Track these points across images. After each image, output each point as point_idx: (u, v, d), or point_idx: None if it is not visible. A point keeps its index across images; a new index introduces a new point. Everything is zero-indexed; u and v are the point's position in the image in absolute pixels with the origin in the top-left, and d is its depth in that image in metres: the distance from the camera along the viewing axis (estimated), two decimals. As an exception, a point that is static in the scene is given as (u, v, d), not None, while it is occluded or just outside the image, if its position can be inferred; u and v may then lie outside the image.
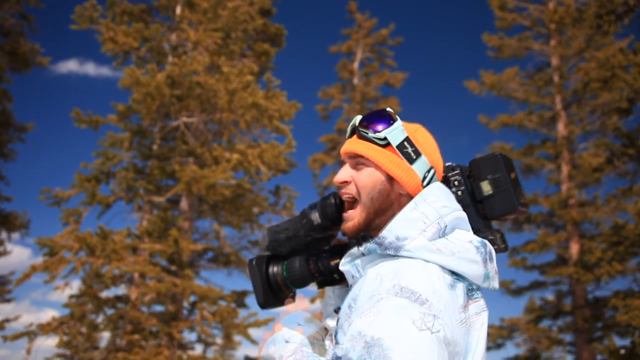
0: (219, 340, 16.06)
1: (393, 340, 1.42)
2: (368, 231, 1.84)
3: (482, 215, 1.85)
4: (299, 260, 2.04)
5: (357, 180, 1.79)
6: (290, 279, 2.05)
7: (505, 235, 1.86)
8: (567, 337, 20.07)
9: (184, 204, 16.53)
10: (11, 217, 18.88)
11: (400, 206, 1.76)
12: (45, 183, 28.10)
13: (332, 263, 2.00)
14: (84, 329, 14.46)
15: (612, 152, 16.44)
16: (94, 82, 35.10)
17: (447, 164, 1.89)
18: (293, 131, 16.54)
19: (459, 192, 1.84)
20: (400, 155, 1.75)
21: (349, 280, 1.80)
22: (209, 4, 16.22)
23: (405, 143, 1.75)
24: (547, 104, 21.14)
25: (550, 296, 20.69)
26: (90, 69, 37.19)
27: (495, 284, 1.74)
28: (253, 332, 14.93)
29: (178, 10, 17.14)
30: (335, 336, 1.78)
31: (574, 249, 19.21)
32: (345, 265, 1.78)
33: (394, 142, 1.75)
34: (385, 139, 1.75)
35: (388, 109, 1.81)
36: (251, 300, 16.40)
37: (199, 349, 15.97)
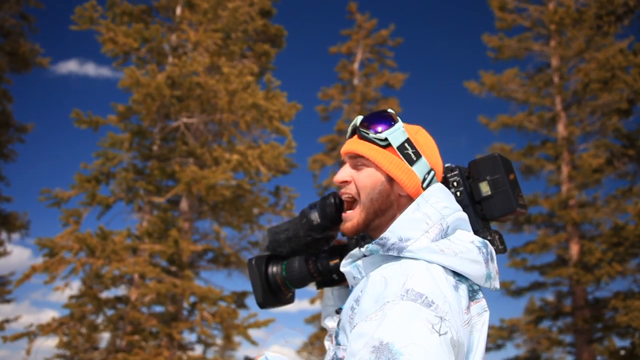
0: (219, 341, 16.06)
1: (402, 344, 1.41)
2: (367, 231, 1.84)
3: (480, 216, 1.85)
4: (298, 261, 2.05)
5: (357, 181, 1.79)
6: (289, 279, 2.06)
7: (504, 236, 1.87)
8: (567, 338, 20.09)
9: (184, 204, 16.53)
10: (11, 217, 18.87)
11: (400, 207, 1.77)
12: (45, 184, 28.06)
13: (332, 263, 2.00)
14: (84, 330, 14.46)
15: (612, 153, 16.45)
16: (94, 83, 35.08)
17: (446, 165, 1.89)
18: (293, 132, 16.57)
19: (458, 193, 1.85)
20: (401, 156, 1.75)
21: (350, 281, 1.80)
22: (209, 5, 16.23)
23: (406, 144, 1.75)
24: (547, 104, 21.14)
25: (550, 297, 20.72)
26: (90, 69, 37.16)
27: (497, 283, 1.75)
28: (253, 332, 14.97)
29: (178, 10, 17.15)
30: (336, 337, 1.78)
31: (574, 249, 19.22)
32: (346, 266, 1.78)
33: (395, 143, 1.75)
34: (386, 139, 1.75)
35: (389, 110, 1.82)
36: (251, 301, 16.40)
37: (199, 350, 15.98)
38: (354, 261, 1.76)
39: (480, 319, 1.68)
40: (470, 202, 1.85)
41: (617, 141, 16.94)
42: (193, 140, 16.07)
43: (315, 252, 2.06)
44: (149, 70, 15.26)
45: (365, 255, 1.73)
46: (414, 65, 39.45)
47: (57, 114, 33.30)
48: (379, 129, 1.76)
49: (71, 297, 14.62)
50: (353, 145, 1.81)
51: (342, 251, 2.02)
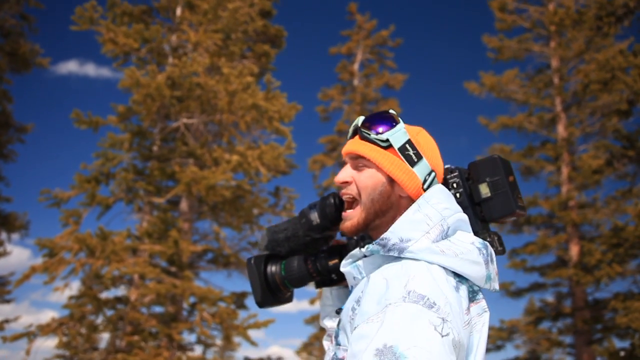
0: (218, 342, 16.04)
1: (405, 347, 1.41)
2: (366, 232, 1.85)
3: (480, 218, 1.85)
4: (297, 260, 2.05)
5: (358, 181, 1.79)
6: (288, 279, 2.06)
7: (504, 236, 1.87)
8: (567, 339, 20.08)
9: (183, 205, 16.53)
10: (11, 217, 18.88)
11: (400, 208, 1.77)
12: (45, 184, 28.06)
13: (331, 263, 2.01)
14: (83, 330, 14.46)
15: (612, 154, 16.45)
16: (94, 83, 35.10)
17: (446, 166, 1.90)
18: (293, 132, 16.57)
19: (458, 195, 1.85)
20: (402, 157, 1.75)
21: (350, 281, 1.80)
22: (209, 5, 16.23)
23: (407, 145, 1.76)
24: (547, 105, 21.15)
25: (550, 298, 20.72)
26: (91, 69, 37.18)
27: (496, 285, 1.75)
28: (253, 333, 14.97)
29: (178, 11, 17.15)
30: (336, 337, 1.78)
31: (574, 250, 19.21)
32: (346, 266, 1.78)
33: (396, 144, 1.75)
34: (387, 140, 1.75)
35: (391, 110, 1.82)
36: (251, 302, 16.40)
37: (198, 350, 15.97)
38: (354, 261, 1.76)
39: (480, 320, 1.68)
40: (469, 203, 1.85)
41: (617, 142, 16.96)
42: (193, 141, 16.07)
43: (314, 252, 2.06)
44: (149, 70, 15.26)
45: (365, 256, 1.73)
46: (414, 66, 39.45)
47: (57, 114, 33.31)
48: (381, 129, 1.76)
49: (71, 297, 14.63)
50: (354, 145, 1.81)
51: (341, 251, 2.03)
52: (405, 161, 1.75)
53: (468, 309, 1.64)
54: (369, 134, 1.78)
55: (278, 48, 19.19)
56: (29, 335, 14.13)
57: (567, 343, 19.99)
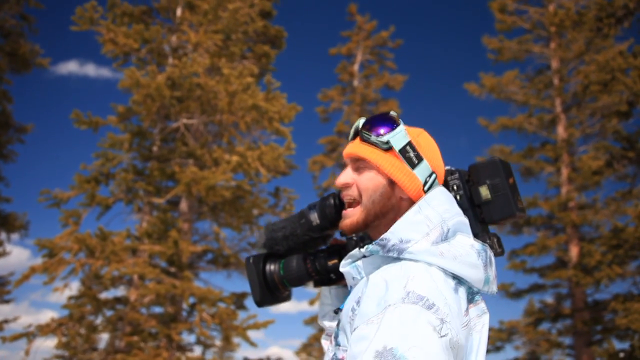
0: (218, 342, 16.04)
1: (405, 348, 1.42)
2: (366, 232, 1.86)
3: (479, 220, 1.85)
4: (296, 259, 2.06)
5: (358, 183, 1.80)
6: (287, 278, 2.07)
7: (504, 237, 1.88)
8: (567, 340, 20.08)
9: (183, 205, 16.53)
10: (11, 218, 18.87)
11: (400, 210, 1.77)
12: (44, 184, 28.07)
13: (330, 263, 2.01)
14: (83, 330, 14.46)
15: (612, 155, 16.45)
16: (94, 84, 35.08)
17: (446, 168, 1.90)
18: (293, 133, 16.57)
19: (458, 196, 1.85)
20: (402, 159, 1.75)
21: (349, 281, 1.80)
22: (210, 6, 16.23)
23: (408, 147, 1.76)
24: (547, 106, 21.15)
25: (549, 299, 20.71)
26: (91, 70, 37.16)
27: (494, 288, 1.75)
28: (252, 334, 14.96)
29: (178, 12, 17.16)
30: (336, 338, 1.79)
31: (574, 251, 19.21)
32: (345, 266, 1.78)
33: (397, 146, 1.75)
34: (387, 142, 1.75)
35: (392, 112, 1.82)
36: (250, 302, 16.39)
37: (198, 351, 15.98)
38: (354, 261, 1.76)
39: (480, 321, 1.69)
40: (469, 205, 1.85)
41: (616, 143, 16.95)
42: (193, 141, 16.07)
43: (313, 251, 2.06)
44: (149, 71, 15.26)
45: (365, 256, 1.74)
46: (414, 66, 39.49)
47: (57, 114, 33.27)
48: (381, 131, 1.77)
49: (70, 297, 14.63)
50: (355, 148, 1.81)
51: (340, 251, 2.03)
52: (406, 163, 1.75)
53: (467, 310, 1.64)
54: (370, 136, 1.77)
55: (278, 49, 19.20)
56: (29, 335, 14.13)
57: (567, 344, 19.99)
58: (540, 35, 21.68)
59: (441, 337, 1.46)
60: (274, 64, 18.90)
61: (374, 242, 1.68)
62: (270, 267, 2.09)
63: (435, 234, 1.65)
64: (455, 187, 1.87)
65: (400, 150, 1.75)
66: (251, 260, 2.09)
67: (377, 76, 26.56)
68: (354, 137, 1.85)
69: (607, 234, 17.45)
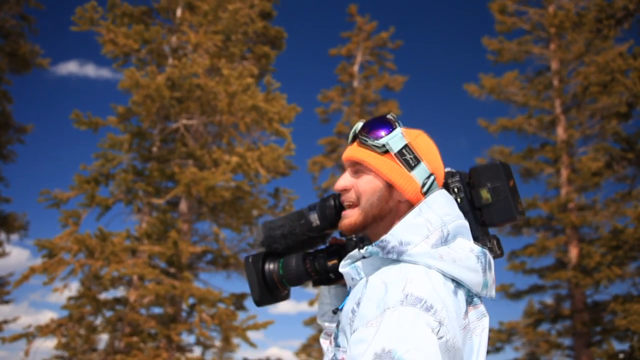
0: (217, 343, 16.04)
1: (404, 350, 1.43)
2: (364, 233, 1.87)
3: (480, 222, 1.86)
4: (295, 259, 2.07)
5: (357, 187, 1.81)
6: (286, 277, 2.07)
7: (503, 238, 1.88)
8: (566, 341, 20.07)
9: (183, 206, 16.53)
10: (10, 218, 18.87)
11: (399, 212, 1.78)
12: (44, 184, 28.11)
13: (329, 264, 2.02)
14: (82, 331, 14.45)
15: (612, 157, 16.46)
16: (94, 84, 35.08)
17: (447, 170, 1.90)
18: (293, 134, 16.56)
19: (459, 199, 1.86)
20: (400, 162, 1.76)
21: (348, 282, 1.81)
22: (210, 7, 16.23)
23: (405, 150, 1.76)
24: (546, 107, 21.14)
25: (549, 300, 20.70)
26: (90, 70, 37.18)
27: (492, 292, 1.76)
28: (252, 334, 14.95)
29: (178, 12, 17.15)
30: (335, 339, 1.80)
31: (573, 253, 19.21)
32: (345, 267, 1.79)
33: (394, 149, 1.76)
34: (384, 146, 1.76)
35: (389, 115, 1.83)
36: (250, 303, 16.40)
37: (197, 352, 15.97)
38: (353, 262, 1.77)
39: (479, 324, 1.70)
40: (470, 208, 1.86)
41: (616, 144, 16.95)
42: (193, 142, 16.07)
43: (312, 250, 2.07)
44: (149, 71, 15.25)
45: (364, 257, 1.74)
46: (414, 67, 39.48)
47: (57, 115, 33.25)
48: (378, 135, 1.78)
49: (70, 298, 14.61)
50: (352, 152, 1.82)
51: (339, 251, 2.04)
52: (403, 166, 1.76)
53: (466, 313, 1.66)
54: (367, 140, 1.79)
55: (278, 49, 19.20)
56: (28, 336, 14.12)
57: (566, 345, 19.99)
58: (540, 36, 21.68)
59: (438, 339, 1.48)
60: (274, 65, 18.93)
61: (373, 244, 1.69)
62: (270, 266, 2.10)
63: (435, 237, 1.66)
64: (456, 190, 1.87)
65: (397, 153, 1.76)
66: (250, 260, 2.10)
67: (377, 77, 26.55)
68: (352, 141, 1.86)
69: (607, 235, 17.44)
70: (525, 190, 21.59)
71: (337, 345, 1.78)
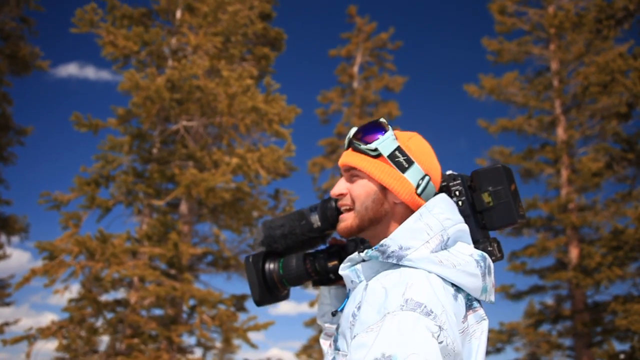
0: (218, 344, 16.06)
1: (404, 355, 1.43)
2: (362, 236, 1.89)
3: (481, 226, 1.87)
4: (295, 259, 2.08)
5: (351, 192, 1.84)
6: (286, 277, 2.08)
7: (503, 239, 1.89)
8: (567, 342, 20.07)
9: (183, 207, 16.53)
10: (11, 220, 18.86)
11: (395, 215, 1.80)
12: (44, 186, 28.14)
13: (330, 264, 2.03)
14: (83, 333, 14.44)
15: (612, 157, 16.45)
16: (94, 86, 35.05)
17: (448, 173, 1.91)
18: (293, 135, 16.55)
19: (460, 202, 1.86)
20: (392, 164, 1.78)
21: (348, 284, 1.82)
22: (209, 8, 16.23)
23: (397, 152, 1.78)
24: (546, 108, 21.14)
25: (549, 300, 20.69)
26: (90, 72, 37.13)
27: (492, 297, 1.77)
28: (252, 335, 14.92)
29: (178, 14, 17.16)
30: (335, 342, 1.80)
31: (574, 253, 19.21)
32: (345, 269, 1.80)
33: (385, 152, 1.78)
34: (376, 149, 1.79)
35: (381, 119, 1.85)
36: (250, 304, 16.40)
37: (198, 353, 15.98)
38: (353, 265, 1.78)
39: (479, 327, 1.71)
40: (471, 211, 1.86)
41: (616, 145, 16.94)
42: (193, 144, 16.07)
43: (312, 251, 2.08)
44: (149, 73, 15.25)
45: (364, 260, 1.75)
46: (414, 68, 39.44)
47: (57, 117, 33.27)
48: (369, 139, 1.80)
49: (71, 300, 14.60)
50: (346, 157, 1.85)
51: (340, 252, 2.05)
52: (396, 168, 1.78)
53: (465, 316, 1.67)
54: (360, 145, 1.81)
55: (278, 51, 19.20)
56: (29, 338, 14.12)
57: (567, 346, 19.99)
58: (540, 36, 21.68)
59: (439, 343, 1.48)
60: (274, 66, 18.93)
61: (373, 248, 1.70)
62: (270, 266, 2.11)
63: (435, 242, 1.67)
64: (457, 193, 1.88)
65: (389, 156, 1.78)
66: (250, 260, 2.11)
67: (377, 78, 26.56)
68: (347, 147, 1.89)
69: (607, 235, 17.44)
70: (525, 190, 21.60)
71: (337, 349, 1.79)
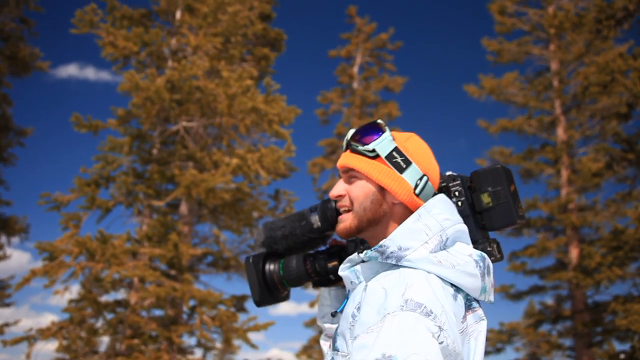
0: (218, 345, 16.05)
1: (405, 356, 1.43)
2: (361, 237, 1.91)
3: (480, 226, 1.87)
4: (296, 260, 2.08)
5: (350, 193, 1.85)
6: (286, 278, 2.08)
7: (503, 239, 1.90)
8: (567, 342, 20.08)
9: (183, 208, 16.53)
10: (11, 221, 18.87)
11: (394, 215, 1.81)
12: (44, 187, 28.11)
13: (330, 265, 2.03)
14: (83, 334, 14.44)
15: (612, 157, 16.45)
16: (94, 87, 35.09)
17: (448, 174, 1.91)
18: (292, 135, 16.55)
19: (459, 203, 1.87)
20: (390, 165, 1.79)
21: (348, 285, 1.82)
22: (209, 9, 16.23)
23: (394, 153, 1.79)
24: (546, 108, 21.15)
25: (549, 301, 20.70)
26: (90, 73, 37.18)
27: (491, 297, 1.78)
28: (253, 336, 14.91)
29: (178, 14, 17.16)
30: (334, 342, 1.80)
31: (574, 253, 19.21)
32: (344, 270, 1.80)
33: (383, 153, 1.79)
34: (373, 150, 1.80)
35: (379, 120, 1.86)
36: (250, 305, 16.40)
37: (198, 354, 15.97)
38: (352, 266, 1.78)
39: (477, 327, 1.71)
40: (471, 212, 1.86)
41: (616, 145, 16.94)
42: (193, 144, 16.07)
43: (312, 252, 2.08)
44: (149, 74, 15.25)
45: (363, 261, 1.75)
46: (414, 68, 39.49)
47: (57, 117, 33.30)
48: (367, 140, 1.81)
49: (71, 300, 14.60)
50: (345, 159, 1.86)
51: (340, 253, 2.05)
52: (394, 168, 1.79)
53: (464, 317, 1.67)
54: (357, 146, 1.83)
55: (277, 51, 19.21)
56: (29, 339, 14.12)
57: (567, 346, 20.00)
58: (540, 37, 21.69)
59: (439, 344, 1.49)
60: (274, 67, 18.94)
61: (372, 249, 1.70)
62: (270, 267, 2.11)
63: (434, 243, 1.68)
64: (457, 194, 1.88)
65: (386, 157, 1.79)
66: (251, 260, 2.12)
67: (377, 78, 26.55)
68: (346, 149, 1.90)
69: (607, 235, 17.44)
70: (525, 191, 21.62)
71: (336, 349, 1.79)
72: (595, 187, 19.36)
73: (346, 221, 1.84)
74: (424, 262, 1.63)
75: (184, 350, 15.41)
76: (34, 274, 14.19)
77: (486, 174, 1.87)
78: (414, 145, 1.85)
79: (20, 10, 18.97)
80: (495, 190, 1.85)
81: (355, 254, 1.76)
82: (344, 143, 1.89)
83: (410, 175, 1.79)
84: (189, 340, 16.28)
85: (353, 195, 1.83)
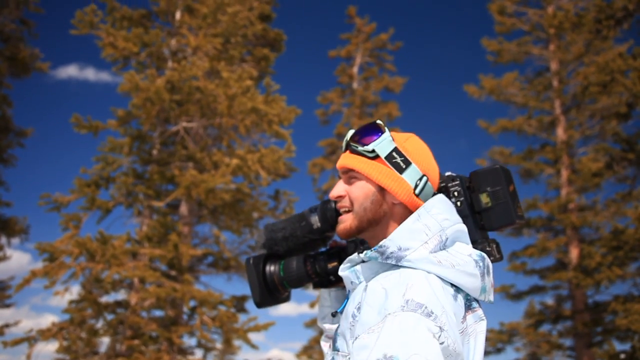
0: (218, 345, 16.04)
1: (406, 356, 1.44)
2: (361, 237, 1.91)
3: (479, 226, 1.87)
4: (296, 261, 2.08)
5: (350, 194, 1.85)
6: (287, 279, 2.09)
7: (503, 239, 1.90)
8: (567, 342, 20.07)
9: (183, 208, 16.52)
10: (11, 222, 18.86)
11: (394, 215, 1.81)
12: (44, 188, 27.98)
13: (330, 266, 2.04)
14: (83, 335, 14.44)
15: (612, 157, 16.46)
16: (94, 88, 35.09)
17: (447, 174, 1.92)
18: (292, 136, 16.55)
19: (459, 203, 1.87)
20: (390, 165, 1.79)
21: (348, 285, 1.82)
22: (209, 10, 16.23)
23: (394, 153, 1.80)
24: (546, 108, 21.14)
25: (549, 301, 20.70)
26: (90, 74, 37.17)
27: (491, 297, 1.78)
28: (253, 336, 14.92)
29: (178, 15, 17.16)
30: (334, 342, 1.80)
31: (574, 253, 19.21)
32: (344, 270, 1.80)
33: (382, 154, 1.79)
34: (373, 151, 1.80)
35: (378, 121, 1.87)
36: (251, 305, 16.40)
37: (198, 354, 15.97)
38: (352, 266, 1.78)
39: (477, 327, 1.72)
40: (470, 212, 1.87)
41: (616, 145, 16.95)
42: (192, 145, 16.07)
43: (313, 253, 2.08)
44: (149, 74, 15.25)
45: (363, 261, 1.75)
46: (414, 69, 39.50)
47: (57, 118, 33.29)
48: (367, 141, 1.81)
49: (71, 301, 14.60)
50: (344, 160, 1.86)
51: (340, 254, 2.05)
52: (393, 169, 1.79)
53: (464, 317, 1.67)
54: (357, 147, 1.83)
55: (277, 52, 19.21)
56: (30, 339, 14.12)
57: (567, 346, 19.99)
58: (540, 37, 21.69)
59: (440, 344, 1.49)
60: (274, 67, 18.94)
61: (372, 249, 1.70)
62: (270, 268, 2.11)
63: (433, 243, 1.68)
64: (456, 194, 1.88)
65: (386, 157, 1.79)
66: (251, 261, 2.12)
67: (377, 78, 26.55)
68: (345, 149, 1.90)
69: (607, 235, 17.44)
70: (525, 191, 21.61)
71: (336, 349, 1.79)
72: (595, 187, 19.35)
73: (346, 222, 1.85)
74: (424, 262, 1.63)
75: (184, 351, 15.42)
76: (34, 274, 14.19)
77: (485, 174, 1.87)
78: (414, 145, 1.85)
79: (20, 12, 18.97)
80: (494, 191, 1.85)
81: (355, 254, 1.76)
82: (344, 144, 1.89)
83: (410, 176, 1.79)
84: (189, 341, 16.30)
85: (353, 195, 1.83)
